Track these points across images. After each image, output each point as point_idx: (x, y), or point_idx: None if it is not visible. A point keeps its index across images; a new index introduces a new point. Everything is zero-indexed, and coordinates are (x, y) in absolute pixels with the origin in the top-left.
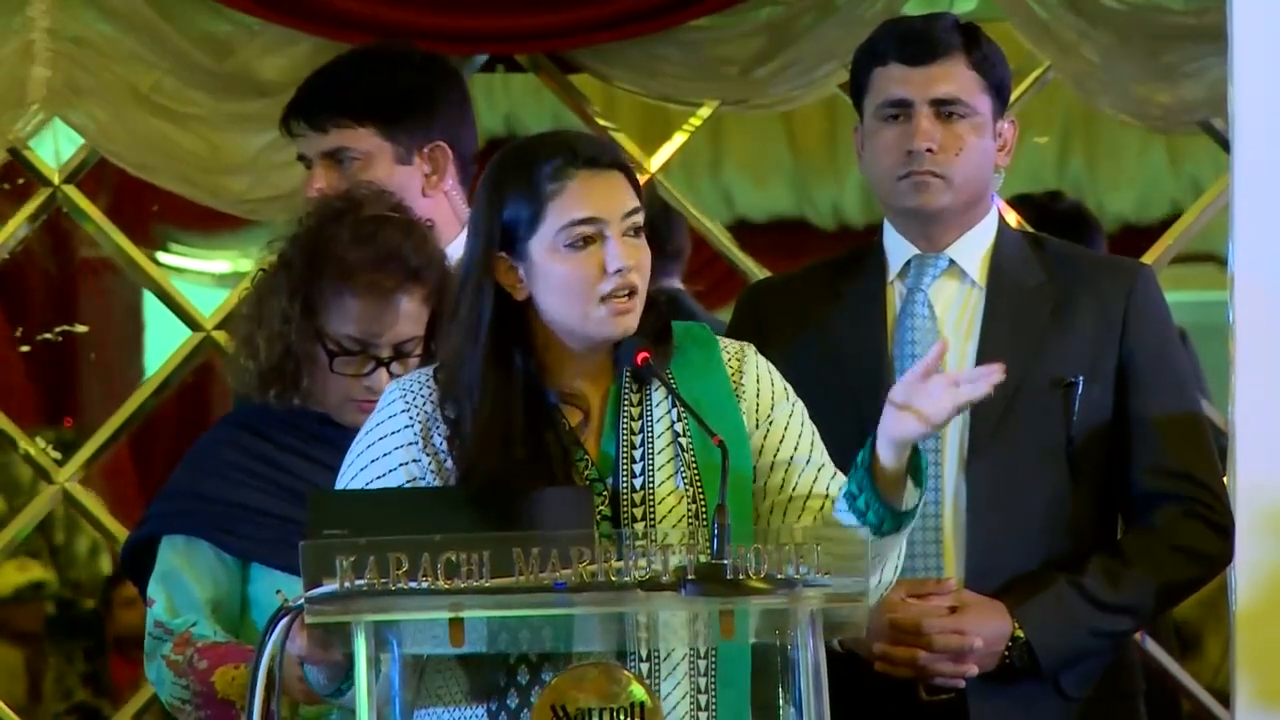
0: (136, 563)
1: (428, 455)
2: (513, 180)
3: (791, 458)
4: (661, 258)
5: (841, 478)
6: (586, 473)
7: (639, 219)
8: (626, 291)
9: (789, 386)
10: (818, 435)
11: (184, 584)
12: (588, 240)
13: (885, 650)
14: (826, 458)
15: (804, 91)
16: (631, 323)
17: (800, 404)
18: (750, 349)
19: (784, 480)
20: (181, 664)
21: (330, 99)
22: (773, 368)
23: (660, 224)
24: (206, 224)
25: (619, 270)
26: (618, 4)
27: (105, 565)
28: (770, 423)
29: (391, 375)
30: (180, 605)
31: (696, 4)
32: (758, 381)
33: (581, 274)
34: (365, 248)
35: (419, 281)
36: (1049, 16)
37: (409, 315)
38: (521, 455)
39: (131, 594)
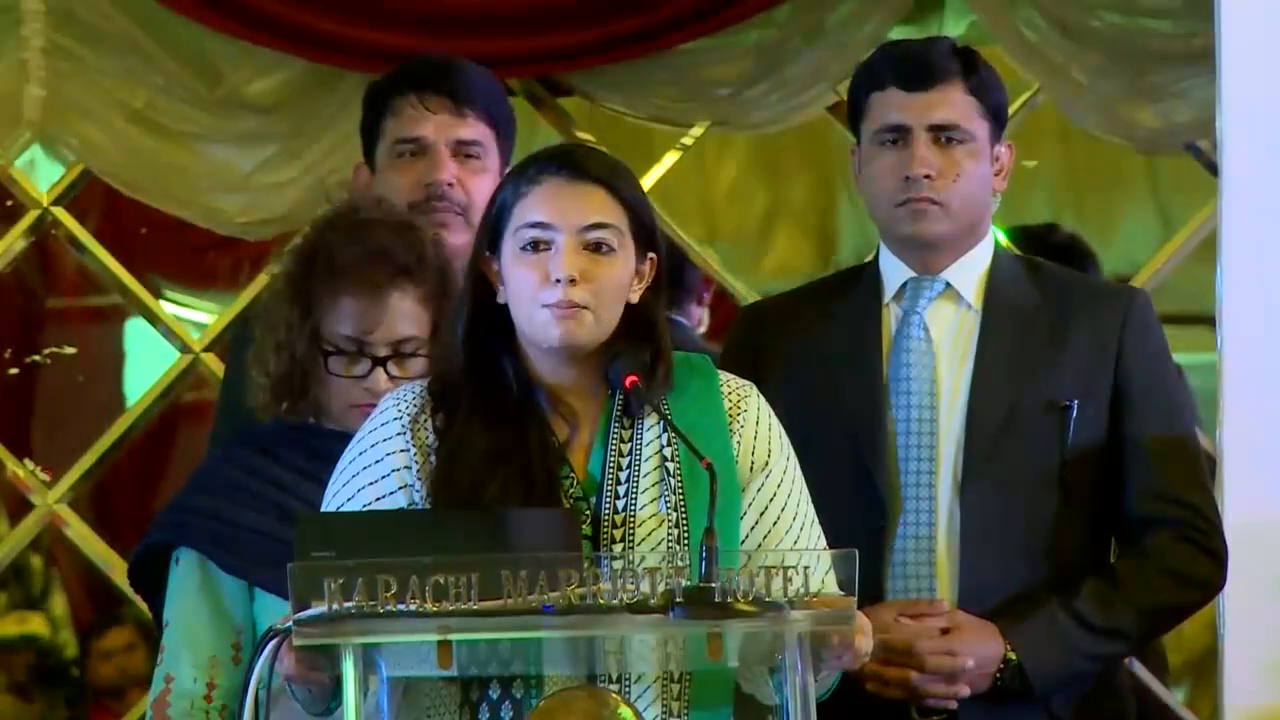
0: (144, 574)
1: (418, 465)
2: (504, 183)
3: (778, 519)
4: (678, 289)
5: (817, 531)
6: (571, 491)
7: (605, 235)
8: (570, 303)
9: (784, 435)
10: (805, 491)
11: (198, 638)
12: (538, 245)
13: (877, 670)
14: (810, 513)
15: (792, 114)
16: (576, 330)
17: (794, 456)
18: (752, 389)
19: (765, 540)
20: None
21: (474, 89)
22: (772, 413)
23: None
24: (193, 278)
25: (559, 280)
26: (608, 27)
27: (92, 591)
28: (767, 474)
29: (390, 377)
30: (183, 665)
31: (687, 27)
32: (756, 424)
33: (528, 278)
34: (355, 246)
35: (411, 279)
36: (1038, 39)
37: (404, 314)
38: (502, 468)
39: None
